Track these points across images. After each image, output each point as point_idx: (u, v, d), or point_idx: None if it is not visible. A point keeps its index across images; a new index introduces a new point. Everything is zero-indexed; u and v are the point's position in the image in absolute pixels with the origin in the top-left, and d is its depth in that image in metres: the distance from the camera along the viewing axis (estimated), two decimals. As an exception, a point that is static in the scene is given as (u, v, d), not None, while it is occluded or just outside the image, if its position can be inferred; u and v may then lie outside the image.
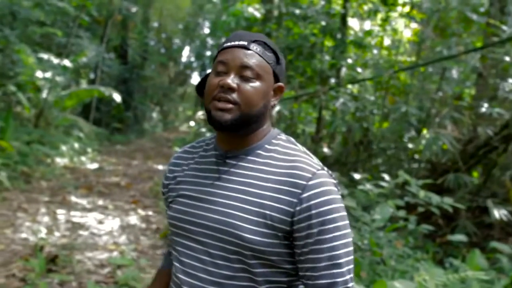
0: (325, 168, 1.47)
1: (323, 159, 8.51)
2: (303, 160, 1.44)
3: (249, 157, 1.49)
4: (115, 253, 5.66)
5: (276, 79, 1.50)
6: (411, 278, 4.34)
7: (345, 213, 1.42)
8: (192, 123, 24.06)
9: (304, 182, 1.38)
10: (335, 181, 1.47)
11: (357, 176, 6.70)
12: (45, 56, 12.42)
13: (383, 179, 6.31)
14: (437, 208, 5.16)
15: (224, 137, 1.50)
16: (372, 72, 9.95)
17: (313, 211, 1.36)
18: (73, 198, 8.18)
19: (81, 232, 6.38)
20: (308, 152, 1.51)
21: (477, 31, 8.79)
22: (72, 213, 7.24)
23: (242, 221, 1.39)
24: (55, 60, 12.52)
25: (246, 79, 1.43)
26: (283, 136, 1.55)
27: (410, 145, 8.45)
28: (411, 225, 5.18)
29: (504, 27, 7.56)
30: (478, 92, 8.65)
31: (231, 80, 1.41)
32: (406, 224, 5.30)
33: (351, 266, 1.40)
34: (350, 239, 1.41)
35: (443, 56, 8.09)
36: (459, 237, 5.10)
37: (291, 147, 1.50)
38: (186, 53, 32.10)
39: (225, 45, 1.48)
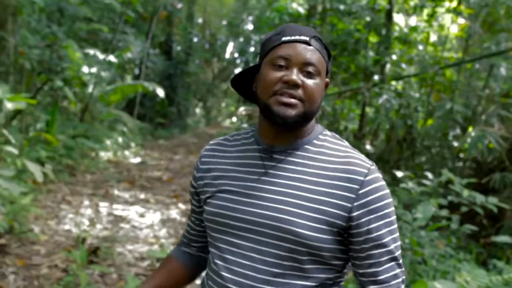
0: (374, 164, 1.46)
1: (366, 157, 8.38)
2: (356, 155, 1.44)
3: (297, 152, 1.46)
4: (155, 247, 5.72)
5: (326, 75, 1.48)
6: (452, 279, 4.25)
7: (393, 208, 1.45)
8: (234, 119, 24.17)
9: (362, 178, 1.38)
10: None
11: (399, 174, 6.59)
12: (91, 51, 12.64)
13: (426, 178, 6.18)
14: (482, 208, 5.03)
15: (272, 131, 1.47)
16: (417, 69, 9.77)
17: (372, 206, 1.37)
18: (116, 192, 8.30)
19: (122, 225, 6.47)
20: (354, 148, 1.51)
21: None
22: (114, 206, 7.35)
23: (298, 217, 1.36)
24: (101, 56, 12.72)
25: (309, 76, 1.40)
26: (328, 132, 1.54)
27: (455, 143, 8.26)
28: (454, 225, 5.07)
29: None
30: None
31: (297, 76, 1.39)
32: (449, 223, 5.19)
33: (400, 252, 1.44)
34: (398, 233, 1.44)
35: (490, 52, 7.87)
36: (504, 238, 4.95)
37: (339, 143, 1.49)
38: (229, 49, 32.22)
39: (284, 39, 1.43)
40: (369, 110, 9.79)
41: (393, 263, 1.40)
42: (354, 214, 1.36)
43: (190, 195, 1.70)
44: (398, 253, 1.41)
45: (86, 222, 6.32)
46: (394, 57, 10.05)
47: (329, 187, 1.38)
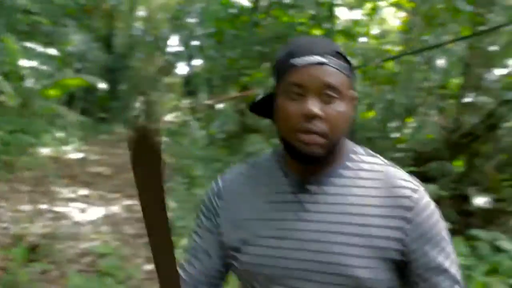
0: (416, 179, 1.32)
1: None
2: (396, 174, 1.29)
3: (332, 179, 1.29)
4: (97, 242, 5.61)
5: (352, 88, 1.29)
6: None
7: (443, 222, 1.33)
8: (176, 113, 23.96)
9: (412, 204, 1.24)
10: None
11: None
12: (30, 45, 12.28)
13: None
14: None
15: (301, 164, 1.29)
16: (359, 62, 9.93)
17: (423, 229, 1.25)
18: (56, 188, 8.10)
19: (63, 221, 6.33)
20: (391, 163, 1.36)
21: (465, 20, 8.77)
22: (55, 202, 7.17)
23: (353, 259, 1.22)
24: (41, 49, 12.38)
25: (329, 102, 1.21)
26: (359, 148, 1.37)
27: (395, 134, 8.45)
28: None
29: (491, 16, 7.55)
30: (465, 81, 8.66)
31: (314, 106, 1.20)
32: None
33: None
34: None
35: (430, 45, 8.07)
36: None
37: (376, 161, 1.33)
38: (173, 43, 31.92)
39: (294, 61, 1.23)
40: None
41: (455, 286, 1.29)
42: (410, 246, 1.24)
43: (201, 228, 1.44)
44: (458, 273, 1.31)
45: (26, 220, 6.14)
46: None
47: (379, 218, 1.24)
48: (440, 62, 9.06)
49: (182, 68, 32.15)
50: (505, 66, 8.20)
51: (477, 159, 6.81)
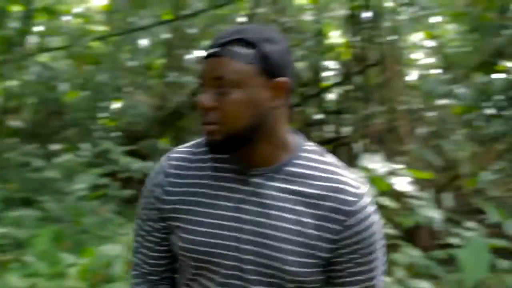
0: (361, 182, 1.35)
1: (15, 133, 8.09)
2: (343, 179, 1.29)
3: (278, 176, 1.29)
4: None
5: (271, 75, 1.25)
6: (114, 243, 4.49)
7: (382, 233, 1.35)
8: None
9: (348, 208, 1.26)
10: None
11: (54, 147, 6.56)
12: None
13: (79, 149, 6.29)
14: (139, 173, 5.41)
15: (243, 152, 1.28)
16: (64, 41, 9.66)
17: (358, 237, 1.27)
18: None
19: None
20: (339, 163, 1.36)
21: (167, 3, 9.20)
22: None
23: (284, 253, 1.25)
24: None
25: (222, 92, 1.22)
26: (309, 145, 1.36)
27: (104, 114, 8.52)
28: (113, 192, 5.33)
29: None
30: (168, 62, 9.15)
31: (206, 98, 1.23)
32: (107, 191, 5.42)
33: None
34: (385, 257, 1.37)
35: (136, 26, 8.30)
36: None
37: (324, 160, 1.33)
38: None
39: (204, 55, 1.26)
40: (15, 84, 9.31)
41: None
42: (339, 245, 1.27)
43: (146, 218, 1.42)
44: (381, 279, 1.36)
45: None
46: (40, 28, 9.75)
47: (315, 218, 1.26)
48: (144, 43, 9.37)
49: None
50: (203, 48, 8.87)
51: (185, 135, 7.34)
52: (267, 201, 1.27)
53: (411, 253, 4.32)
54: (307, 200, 1.27)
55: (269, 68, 1.23)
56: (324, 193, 1.26)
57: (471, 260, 3.97)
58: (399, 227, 4.76)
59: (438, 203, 4.93)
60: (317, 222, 1.25)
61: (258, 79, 1.23)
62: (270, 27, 1.38)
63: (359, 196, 1.28)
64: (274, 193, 1.27)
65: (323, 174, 1.29)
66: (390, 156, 5.54)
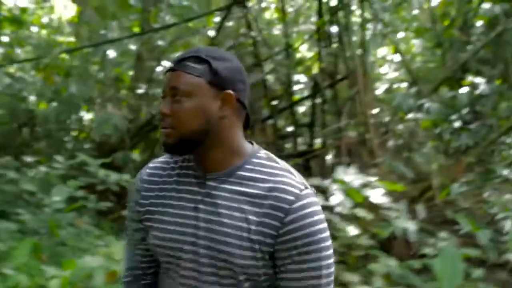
0: (309, 186, 1.46)
1: None
2: (285, 180, 1.42)
3: (230, 179, 1.45)
4: None
5: (220, 88, 1.43)
6: (92, 255, 4.48)
7: (328, 234, 1.44)
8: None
9: (287, 206, 1.38)
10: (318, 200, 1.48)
11: (28, 159, 6.49)
12: None
13: (55, 161, 6.24)
14: (116, 185, 5.40)
15: (200, 157, 1.48)
16: (31, 52, 9.55)
17: (295, 234, 1.37)
18: None
19: None
20: (290, 168, 1.49)
21: (136, 15, 9.21)
22: None
23: (234, 248, 1.40)
24: None
25: (177, 101, 1.42)
26: (263, 153, 1.51)
27: (75, 127, 8.46)
28: (91, 204, 5.32)
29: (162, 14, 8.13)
30: (136, 74, 9.15)
31: (164, 106, 1.44)
32: (84, 204, 5.40)
33: (331, 286, 1.46)
34: (332, 260, 1.44)
35: (102, 38, 8.28)
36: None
37: (272, 166, 1.47)
38: None
39: (166, 70, 1.49)
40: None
41: None
42: (279, 240, 1.38)
43: (130, 219, 1.64)
44: (324, 280, 1.43)
45: None
46: (5, 39, 9.62)
47: (258, 216, 1.39)
48: (112, 54, 9.35)
49: None
50: (171, 60, 8.89)
51: (157, 146, 7.35)
52: (219, 201, 1.43)
53: (388, 263, 4.43)
54: (252, 199, 1.41)
55: (218, 81, 1.43)
56: (267, 192, 1.41)
57: (446, 270, 4.09)
58: (375, 237, 4.89)
59: (412, 214, 5.07)
60: (260, 219, 1.39)
61: (208, 91, 1.42)
62: (223, 50, 1.57)
63: (300, 196, 1.40)
64: (225, 194, 1.44)
65: (268, 177, 1.43)
66: (363, 169, 5.69)
